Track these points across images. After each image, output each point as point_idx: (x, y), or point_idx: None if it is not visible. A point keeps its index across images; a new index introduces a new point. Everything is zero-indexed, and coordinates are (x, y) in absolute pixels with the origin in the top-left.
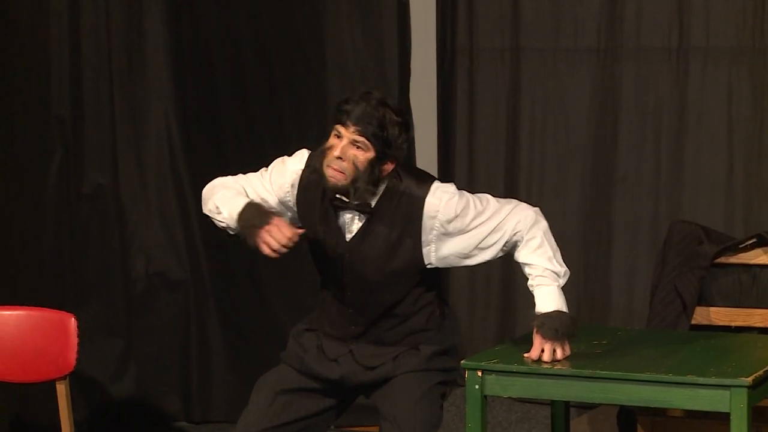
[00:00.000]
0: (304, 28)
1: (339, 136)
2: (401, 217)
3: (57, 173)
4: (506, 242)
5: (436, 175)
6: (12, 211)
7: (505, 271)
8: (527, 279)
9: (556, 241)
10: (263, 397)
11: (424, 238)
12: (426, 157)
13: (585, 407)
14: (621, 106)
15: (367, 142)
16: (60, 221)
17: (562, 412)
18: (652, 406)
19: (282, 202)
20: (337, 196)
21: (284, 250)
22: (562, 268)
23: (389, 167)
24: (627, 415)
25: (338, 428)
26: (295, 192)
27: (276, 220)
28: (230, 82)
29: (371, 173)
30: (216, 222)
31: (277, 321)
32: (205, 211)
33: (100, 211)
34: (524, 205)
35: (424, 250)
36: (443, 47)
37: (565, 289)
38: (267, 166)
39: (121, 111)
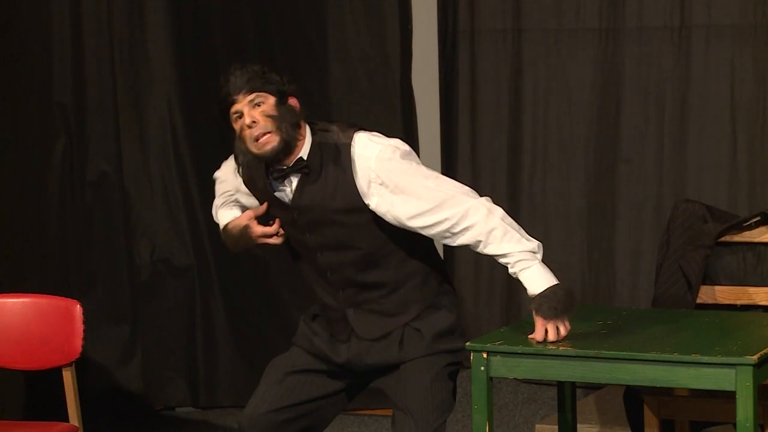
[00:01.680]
0: (305, 12)
1: (239, 115)
2: (333, 163)
3: (60, 161)
4: (453, 226)
5: (439, 158)
6: (16, 199)
7: None
8: (506, 268)
9: (558, 223)
10: (273, 377)
11: (361, 186)
12: (429, 140)
13: (591, 388)
14: (624, 86)
15: (261, 93)
16: (64, 208)
17: (568, 392)
18: (658, 386)
19: (249, 200)
20: (277, 167)
21: (279, 232)
22: (533, 243)
23: (295, 102)
24: (633, 395)
25: (348, 412)
26: (244, 188)
27: (250, 224)
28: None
29: (285, 111)
30: None
31: (282, 305)
32: None
33: (104, 198)
34: (473, 193)
35: (370, 201)
36: (445, 29)
37: (571, 269)
38: None
39: (124, 98)
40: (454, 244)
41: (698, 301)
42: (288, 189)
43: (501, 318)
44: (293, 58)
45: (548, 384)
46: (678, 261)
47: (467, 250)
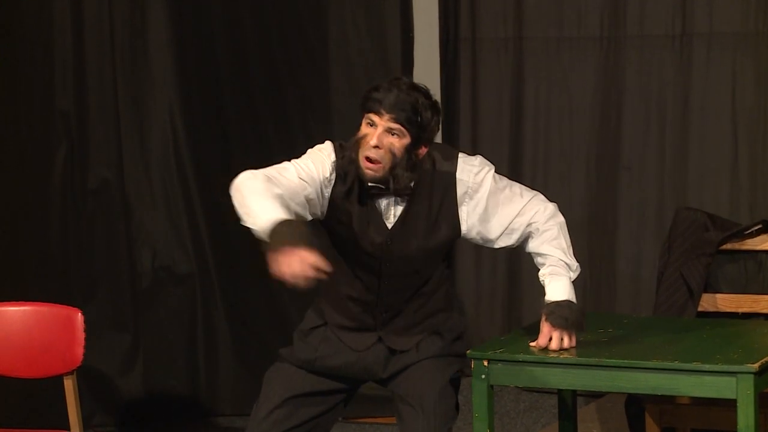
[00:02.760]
0: (307, 19)
1: (372, 125)
2: (436, 194)
3: (62, 168)
4: (524, 229)
5: None
6: (17, 207)
7: (511, 261)
8: (538, 269)
9: None
10: (272, 403)
11: (460, 212)
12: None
13: (592, 396)
14: (625, 94)
15: (402, 128)
16: (65, 216)
17: (569, 401)
18: (660, 394)
19: (318, 194)
20: (373, 184)
21: (305, 284)
22: (575, 263)
23: (424, 151)
24: (635, 403)
25: (349, 420)
26: (332, 184)
27: (304, 253)
28: (234, 74)
29: (408, 159)
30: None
31: (284, 313)
32: (235, 203)
33: (106, 205)
34: (543, 197)
35: (463, 225)
36: (446, 37)
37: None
38: (273, 157)
39: (125, 105)
40: (518, 245)
41: (699, 309)
42: (382, 209)
43: (502, 326)
44: (294, 64)
45: (549, 392)
46: (679, 269)
47: (468, 256)
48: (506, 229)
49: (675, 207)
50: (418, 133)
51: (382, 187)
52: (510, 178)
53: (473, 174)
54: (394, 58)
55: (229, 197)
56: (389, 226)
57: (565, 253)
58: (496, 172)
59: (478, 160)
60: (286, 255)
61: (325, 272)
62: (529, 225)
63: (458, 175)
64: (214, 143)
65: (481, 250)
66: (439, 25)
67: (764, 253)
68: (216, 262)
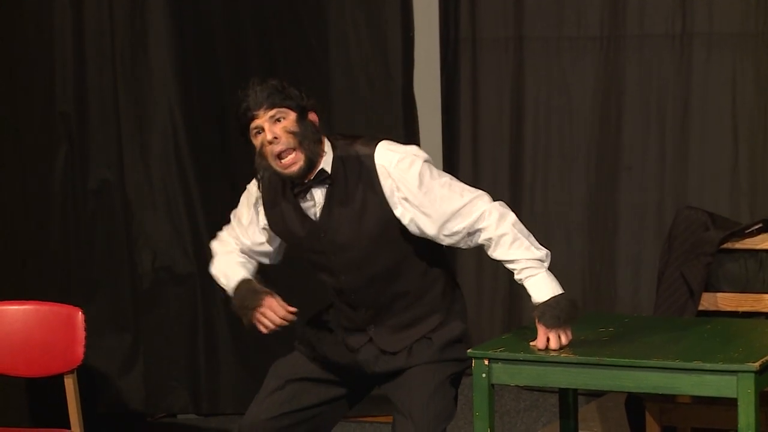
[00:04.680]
0: (307, 20)
1: (259, 131)
2: (359, 178)
3: (62, 169)
4: (469, 232)
5: (441, 166)
6: (18, 207)
7: None
8: (508, 275)
9: (560, 231)
10: (274, 384)
11: (388, 196)
12: (430, 147)
13: (593, 395)
14: (625, 94)
15: (282, 109)
16: (66, 216)
17: (570, 399)
18: (660, 393)
19: (263, 229)
20: (298, 182)
21: (278, 328)
22: (542, 251)
23: (315, 117)
24: (635, 402)
25: (349, 419)
26: (263, 210)
27: (268, 301)
28: (234, 75)
29: (306, 128)
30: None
31: None
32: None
33: (106, 206)
34: (487, 197)
35: (395, 210)
36: (446, 37)
37: (572, 277)
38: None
39: (126, 106)
40: (467, 247)
41: (700, 308)
42: (312, 204)
43: (503, 325)
44: (295, 66)
45: (550, 391)
46: (680, 268)
47: (469, 256)
48: (443, 226)
49: (675, 206)
50: (297, 104)
51: (305, 181)
52: (510, 178)
53: (396, 157)
54: (394, 58)
55: None
56: (317, 218)
57: (529, 249)
58: (491, 179)
59: (408, 148)
60: (254, 310)
61: (292, 313)
62: (476, 230)
63: (376, 157)
64: (215, 144)
65: (482, 249)
66: (440, 26)
67: (765, 252)
68: None
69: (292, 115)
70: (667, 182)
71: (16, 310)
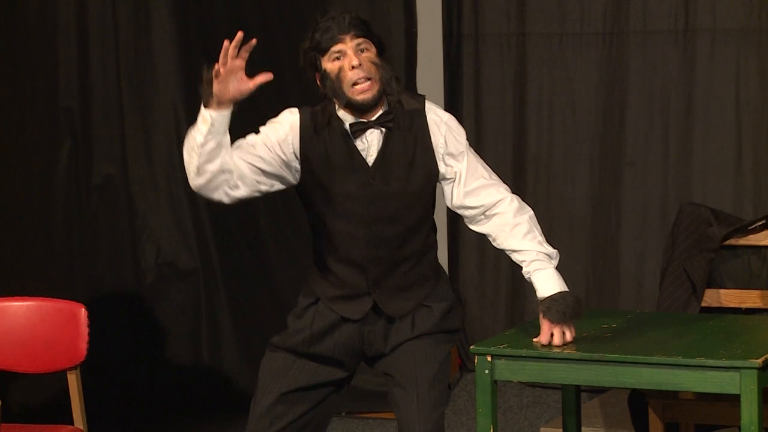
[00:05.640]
0: (310, 15)
1: (339, 57)
2: (410, 128)
3: (66, 164)
4: (486, 212)
5: None
6: (22, 203)
7: None
8: (520, 266)
9: (563, 226)
10: (268, 399)
11: (435, 148)
12: None
13: (596, 391)
14: (628, 90)
15: (367, 40)
16: (69, 212)
17: (572, 396)
18: (663, 389)
19: (280, 155)
20: (356, 119)
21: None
22: (553, 251)
23: (387, 60)
24: (638, 398)
25: (352, 415)
26: (298, 143)
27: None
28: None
29: (385, 63)
30: (201, 165)
31: (287, 309)
32: (191, 165)
33: (110, 201)
34: (509, 194)
35: (439, 165)
36: (449, 33)
37: (576, 273)
38: None
39: (129, 101)
40: (478, 229)
41: (703, 304)
42: (365, 147)
43: (505, 321)
44: (298, 62)
45: (553, 387)
46: (683, 264)
47: (472, 252)
48: (466, 197)
49: (678, 202)
50: (378, 42)
51: (365, 121)
52: (514, 174)
53: (446, 115)
54: (397, 54)
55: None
56: (370, 163)
57: (541, 244)
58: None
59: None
60: (218, 80)
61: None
62: (494, 214)
63: (428, 111)
64: None
65: (485, 245)
66: (442, 21)
67: None
68: (220, 258)
69: (374, 49)
70: (670, 177)
71: (20, 306)
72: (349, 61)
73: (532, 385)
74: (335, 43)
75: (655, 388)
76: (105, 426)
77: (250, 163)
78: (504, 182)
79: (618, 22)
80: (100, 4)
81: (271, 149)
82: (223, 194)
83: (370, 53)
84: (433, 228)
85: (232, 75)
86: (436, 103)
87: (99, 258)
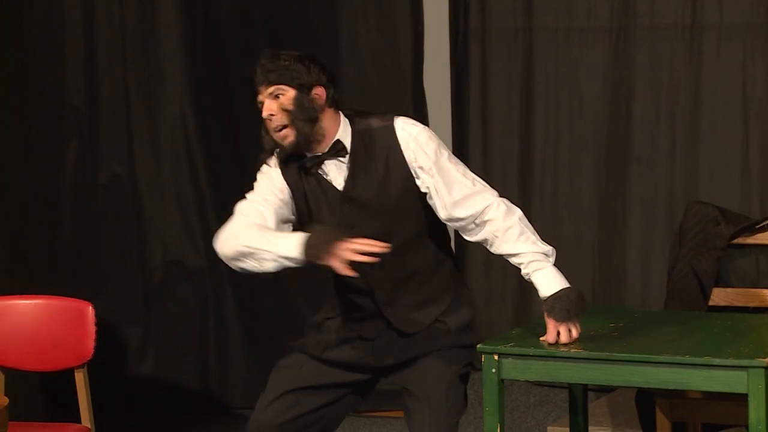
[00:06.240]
0: (317, 14)
1: (262, 105)
2: (380, 148)
3: (73, 163)
4: (476, 221)
5: None
6: (29, 201)
7: None
8: (517, 270)
9: (569, 223)
10: (279, 389)
11: (409, 163)
12: (441, 138)
13: (603, 390)
14: (635, 85)
15: (280, 87)
16: (77, 210)
17: (580, 395)
18: (670, 388)
19: (284, 201)
20: (309, 154)
21: (365, 258)
22: (547, 247)
23: (320, 92)
24: (645, 397)
25: (360, 414)
26: (285, 183)
27: (342, 242)
28: (244, 70)
29: (301, 106)
30: (251, 266)
31: (294, 308)
32: (233, 259)
33: (117, 200)
34: (492, 190)
35: (416, 179)
36: (456, 28)
37: (582, 270)
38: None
39: (137, 100)
40: (471, 239)
41: (710, 303)
42: (328, 177)
43: (513, 320)
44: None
45: (560, 386)
46: (690, 263)
47: (479, 252)
48: (451, 209)
49: (685, 199)
50: (298, 82)
51: (318, 154)
52: (520, 170)
53: (415, 130)
54: (404, 49)
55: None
56: (341, 188)
57: (535, 244)
58: (501, 172)
59: (423, 126)
60: (331, 254)
61: (381, 247)
62: (483, 222)
63: (397, 128)
64: (225, 139)
65: None
66: (449, 17)
67: None
68: None
69: (290, 93)
70: (677, 174)
71: (27, 304)
72: (264, 112)
73: (539, 384)
74: (257, 94)
75: (662, 387)
76: (112, 424)
77: (275, 219)
78: (511, 174)
79: (625, 17)
80: (107, 3)
81: (272, 194)
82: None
83: (285, 98)
84: (443, 240)
85: (342, 257)
86: (442, 98)
87: (106, 257)
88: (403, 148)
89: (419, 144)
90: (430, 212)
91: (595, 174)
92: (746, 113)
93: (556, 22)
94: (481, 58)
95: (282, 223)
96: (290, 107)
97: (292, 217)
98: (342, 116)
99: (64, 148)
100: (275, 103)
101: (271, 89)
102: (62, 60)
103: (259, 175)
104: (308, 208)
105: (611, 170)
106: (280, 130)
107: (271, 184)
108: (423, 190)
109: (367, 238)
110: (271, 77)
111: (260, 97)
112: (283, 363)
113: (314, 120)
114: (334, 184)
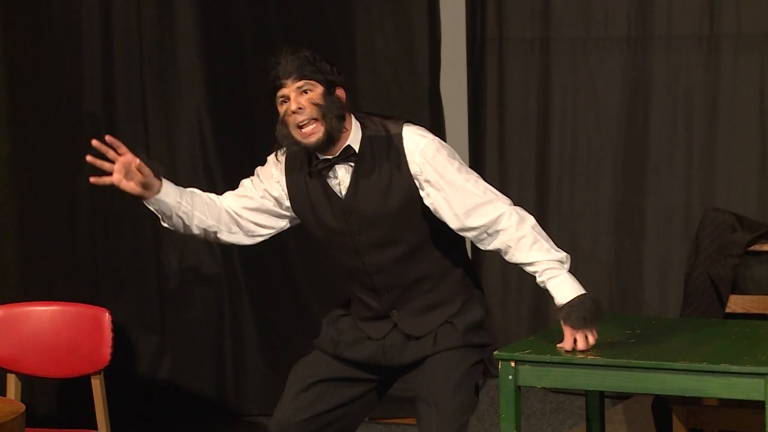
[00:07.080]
0: (334, 20)
1: (285, 99)
2: (386, 156)
3: (90, 169)
4: (488, 231)
5: (468, 165)
6: (45, 208)
7: None
8: (533, 277)
9: (587, 232)
10: (298, 386)
11: (414, 175)
12: (457, 147)
13: (620, 397)
14: (652, 95)
15: (310, 81)
16: (93, 217)
17: (596, 402)
18: (687, 395)
19: (275, 198)
20: (321, 156)
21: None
22: (562, 254)
23: (342, 93)
24: (662, 405)
25: (373, 420)
26: (284, 181)
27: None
28: (261, 77)
29: (331, 102)
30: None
31: (310, 314)
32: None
33: (133, 206)
34: (505, 198)
35: (420, 191)
36: (473, 37)
37: (598, 279)
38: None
39: (153, 106)
40: (485, 248)
41: (727, 310)
42: (337, 182)
43: (529, 326)
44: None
45: (576, 393)
46: (707, 270)
47: (495, 258)
48: (463, 220)
49: (702, 208)
50: (326, 79)
51: (329, 156)
52: (537, 178)
53: (423, 142)
54: (420, 58)
55: None
56: (343, 195)
57: (549, 252)
58: (518, 180)
59: (434, 137)
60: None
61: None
62: (496, 231)
63: (405, 138)
64: (242, 146)
65: None
66: (466, 26)
67: None
68: (243, 263)
69: (319, 89)
70: (694, 183)
71: (44, 311)
72: (289, 106)
73: (556, 391)
74: (279, 88)
75: (679, 394)
76: (128, 431)
77: (241, 205)
78: (528, 184)
79: (642, 27)
80: (124, 8)
81: (257, 188)
82: (227, 239)
83: (314, 93)
84: (454, 245)
85: (128, 172)
86: (459, 107)
87: (123, 263)
88: (408, 160)
89: (425, 158)
90: (437, 219)
91: (612, 184)
92: (763, 122)
93: (573, 32)
94: (498, 68)
95: (260, 213)
96: (320, 102)
97: (287, 214)
98: (354, 120)
99: (82, 154)
100: (303, 98)
101: (300, 83)
102: (79, 67)
103: (260, 168)
104: (313, 213)
105: (628, 180)
106: (307, 125)
107: (261, 183)
108: (426, 202)
109: (371, 244)
110: (301, 71)
111: (285, 91)
112: (300, 362)
113: (342, 117)
114: (341, 188)
